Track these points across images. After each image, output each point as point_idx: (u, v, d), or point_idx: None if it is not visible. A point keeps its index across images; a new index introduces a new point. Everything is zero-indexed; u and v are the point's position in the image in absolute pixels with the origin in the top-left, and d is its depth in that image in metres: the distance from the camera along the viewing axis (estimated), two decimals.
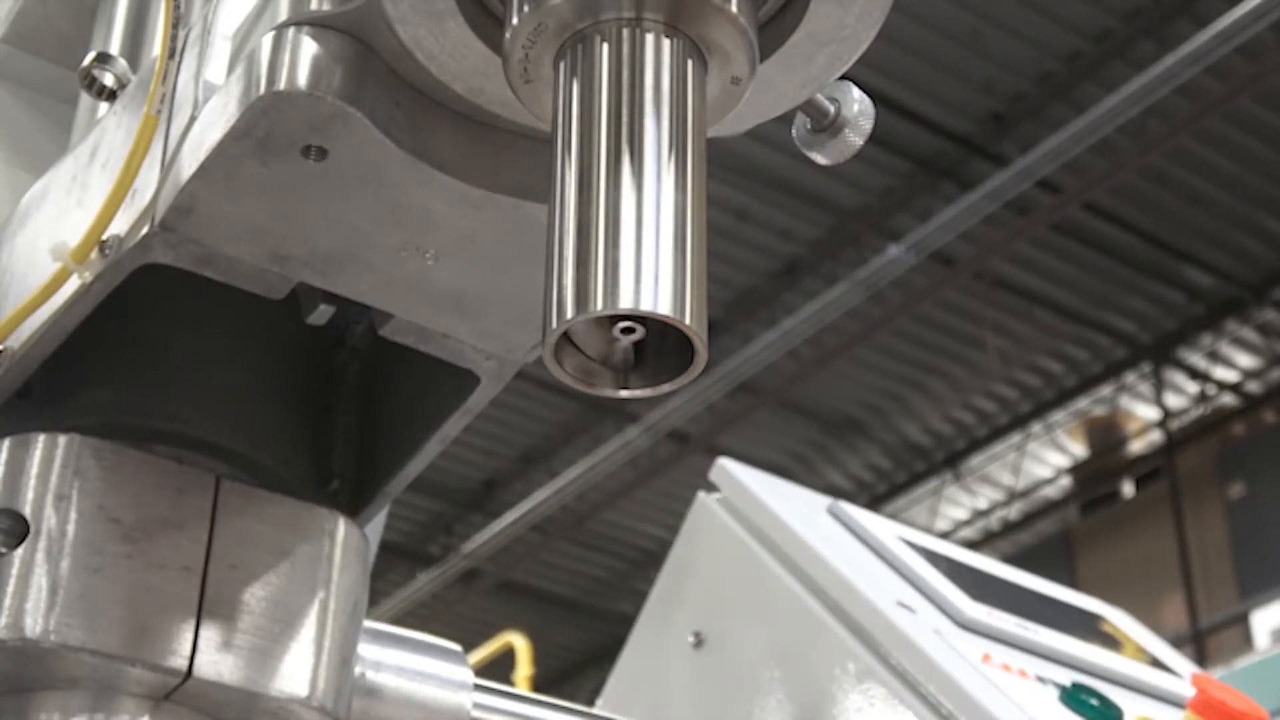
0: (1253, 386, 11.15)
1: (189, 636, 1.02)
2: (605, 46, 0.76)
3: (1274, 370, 10.98)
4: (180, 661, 1.01)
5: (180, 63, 0.99)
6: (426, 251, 0.96)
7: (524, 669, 5.75)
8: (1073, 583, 8.39)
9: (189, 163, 0.92)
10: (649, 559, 11.46)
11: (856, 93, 0.91)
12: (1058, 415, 11.25)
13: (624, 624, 2.46)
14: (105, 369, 1.12)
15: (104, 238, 0.98)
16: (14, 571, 1.00)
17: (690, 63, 0.77)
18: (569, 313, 0.71)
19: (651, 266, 0.71)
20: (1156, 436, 11.63)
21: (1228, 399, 11.27)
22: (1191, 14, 7.85)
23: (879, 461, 11.66)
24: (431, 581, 11.86)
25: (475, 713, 1.19)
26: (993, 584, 2.01)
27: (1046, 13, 8.03)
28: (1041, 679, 1.77)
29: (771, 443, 10.87)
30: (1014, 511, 12.20)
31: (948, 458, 11.60)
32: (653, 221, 0.72)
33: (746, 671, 1.80)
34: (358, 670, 1.14)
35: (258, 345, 1.17)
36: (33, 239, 1.13)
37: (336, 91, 0.85)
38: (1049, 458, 11.87)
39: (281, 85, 0.85)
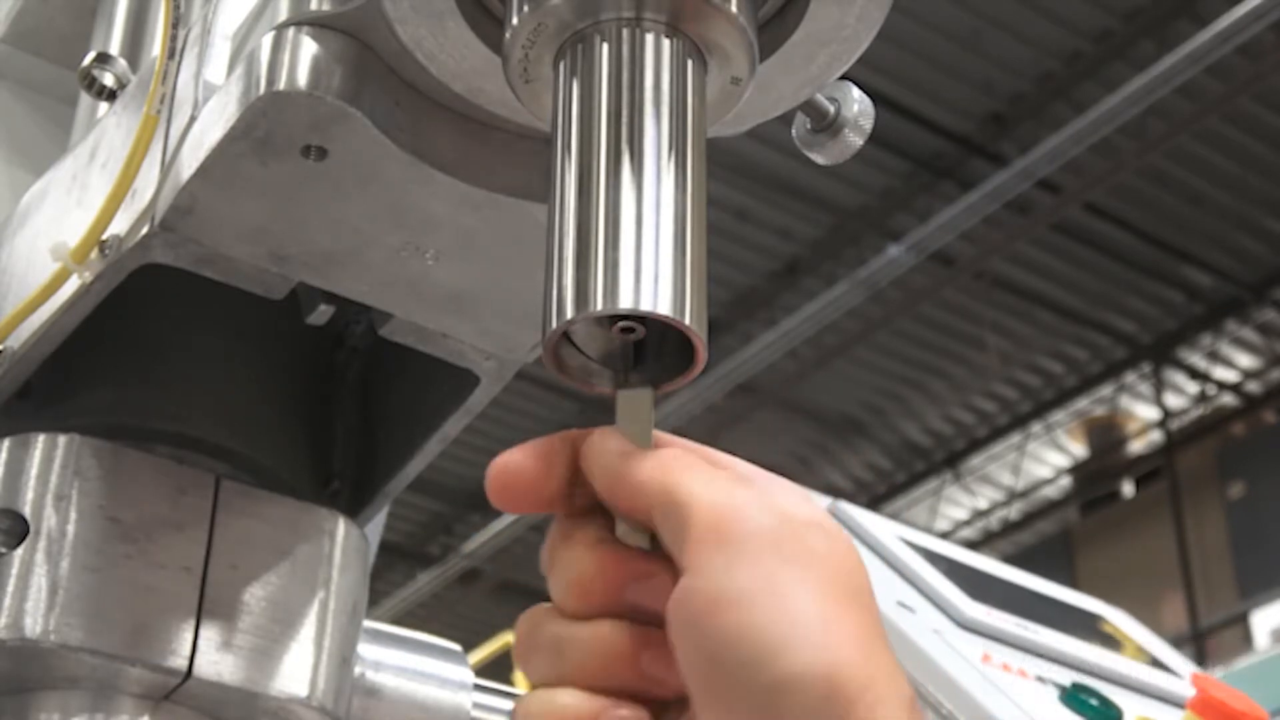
0: (1253, 386, 11.15)
1: (189, 636, 1.02)
2: (605, 46, 0.76)
3: (1274, 370, 10.98)
4: (180, 661, 1.01)
5: (180, 63, 0.99)
6: (426, 251, 0.96)
7: None
8: (1073, 583, 8.38)
9: (189, 163, 0.92)
10: None
11: (856, 93, 0.91)
12: (1058, 415, 11.25)
13: None
14: (105, 369, 1.12)
15: (104, 238, 0.98)
16: (14, 571, 1.00)
17: (690, 63, 0.77)
18: (568, 312, 0.71)
19: (651, 266, 0.71)
20: (1156, 436, 11.63)
21: (1228, 399, 11.27)
22: (1191, 14, 7.85)
23: (879, 461, 11.66)
24: (431, 581, 11.85)
25: (475, 713, 1.19)
26: (993, 584, 2.00)
27: (1046, 13, 8.03)
28: (1041, 679, 1.77)
29: (771, 443, 10.87)
30: (1014, 511, 12.20)
31: (948, 458, 11.60)
32: (653, 221, 0.72)
33: None
34: (358, 670, 1.14)
35: (258, 345, 1.17)
36: (33, 239, 1.13)
37: (336, 91, 0.85)
38: (1049, 458, 11.87)
39: (281, 85, 0.85)
